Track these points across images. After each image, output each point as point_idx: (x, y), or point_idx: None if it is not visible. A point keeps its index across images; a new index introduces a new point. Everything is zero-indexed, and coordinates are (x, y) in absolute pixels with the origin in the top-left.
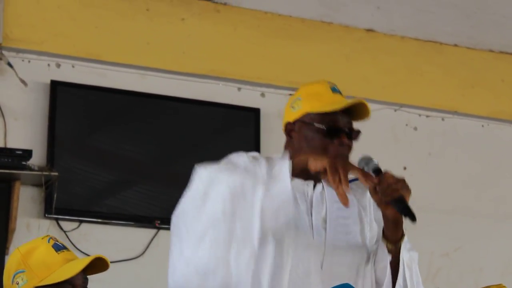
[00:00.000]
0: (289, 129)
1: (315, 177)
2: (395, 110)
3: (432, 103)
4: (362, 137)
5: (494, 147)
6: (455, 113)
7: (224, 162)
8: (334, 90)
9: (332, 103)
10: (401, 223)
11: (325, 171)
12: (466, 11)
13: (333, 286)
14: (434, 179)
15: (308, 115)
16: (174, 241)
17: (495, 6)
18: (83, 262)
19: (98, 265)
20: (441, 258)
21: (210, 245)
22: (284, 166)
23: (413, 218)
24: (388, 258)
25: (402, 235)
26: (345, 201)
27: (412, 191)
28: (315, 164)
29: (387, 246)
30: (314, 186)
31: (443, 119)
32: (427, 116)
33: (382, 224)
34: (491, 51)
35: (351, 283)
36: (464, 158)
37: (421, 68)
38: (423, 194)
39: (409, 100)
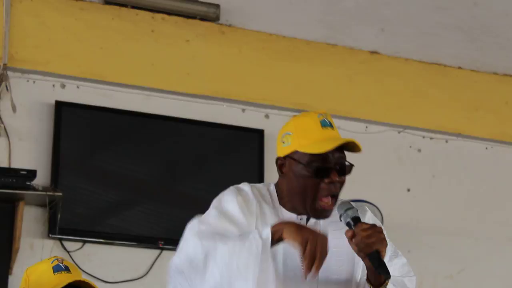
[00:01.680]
0: (280, 164)
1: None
2: (399, 132)
3: (436, 125)
4: (366, 158)
5: (498, 169)
6: (459, 135)
7: (216, 211)
8: (324, 124)
9: (320, 142)
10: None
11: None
12: (470, 34)
13: None
14: (437, 201)
15: (297, 153)
16: None
17: (499, 29)
18: (56, 281)
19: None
20: (444, 280)
21: None
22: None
23: (386, 274)
24: None
25: (386, 279)
26: (306, 274)
27: (415, 213)
28: (292, 240)
29: None
30: (307, 219)
31: (447, 141)
32: (431, 138)
33: None
34: (495, 73)
35: None
36: (468, 180)
37: (425, 90)
38: (427, 216)
39: (413, 122)
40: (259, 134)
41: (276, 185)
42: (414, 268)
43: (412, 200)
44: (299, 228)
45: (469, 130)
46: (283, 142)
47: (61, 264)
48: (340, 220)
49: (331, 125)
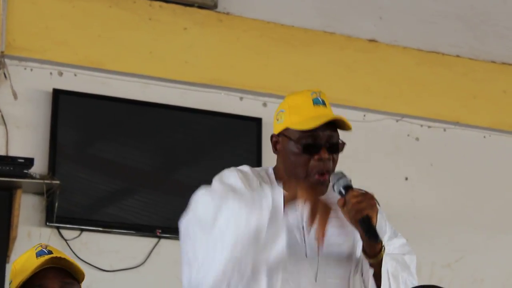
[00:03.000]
0: (274, 141)
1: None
2: (397, 121)
3: (434, 114)
4: (363, 147)
5: (495, 158)
6: (457, 123)
7: (219, 183)
8: (317, 101)
9: (310, 119)
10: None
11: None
12: (468, 22)
13: None
14: (435, 189)
15: (288, 129)
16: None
17: (498, 17)
18: (37, 263)
19: (75, 270)
20: (442, 269)
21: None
22: (278, 195)
23: (376, 239)
24: (371, 271)
25: (381, 248)
26: (321, 242)
27: (413, 201)
28: (291, 198)
29: (368, 261)
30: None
31: (445, 130)
32: (429, 127)
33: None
34: (493, 62)
35: None
36: (466, 168)
37: (423, 79)
38: (425, 205)
39: (411, 111)
40: (257, 122)
41: (274, 168)
42: None
43: (410, 189)
44: (303, 190)
45: (467, 118)
46: (277, 120)
47: (44, 249)
48: (334, 190)
49: (323, 103)
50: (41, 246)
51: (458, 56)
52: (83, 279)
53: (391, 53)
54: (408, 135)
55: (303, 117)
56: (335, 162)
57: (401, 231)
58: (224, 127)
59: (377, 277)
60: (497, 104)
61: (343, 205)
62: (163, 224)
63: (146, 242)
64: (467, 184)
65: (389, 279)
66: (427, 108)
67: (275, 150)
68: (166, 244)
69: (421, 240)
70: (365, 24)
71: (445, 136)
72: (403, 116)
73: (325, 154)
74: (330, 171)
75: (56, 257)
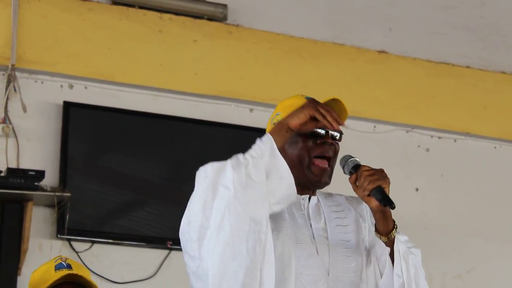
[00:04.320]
0: None
1: (310, 190)
2: (407, 132)
3: (444, 125)
4: (374, 158)
5: (506, 168)
6: (467, 134)
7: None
8: (309, 99)
9: None
10: (388, 214)
11: (311, 119)
12: (478, 33)
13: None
14: (446, 200)
15: None
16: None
17: (507, 28)
18: (54, 277)
19: (90, 285)
20: (453, 280)
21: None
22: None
23: (391, 205)
24: (387, 251)
25: (394, 226)
26: (337, 124)
27: (424, 212)
28: (298, 119)
29: (381, 239)
30: (309, 199)
31: (455, 141)
32: (439, 138)
33: None
34: (503, 72)
35: None
36: (477, 179)
37: (433, 90)
38: (436, 216)
39: (421, 122)
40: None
41: None
42: (423, 267)
43: (420, 200)
44: (297, 109)
45: (478, 129)
46: (274, 123)
47: (63, 262)
48: (344, 172)
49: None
50: (60, 259)
51: (468, 67)
52: None
53: (401, 64)
54: (419, 146)
55: None
56: (336, 151)
57: (412, 242)
58: (234, 138)
59: (391, 257)
60: (507, 114)
61: (355, 180)
62: (174, 236)
63: (157, 254)
64: (477, 194)
65: (400, 260)
66: (437, 119)
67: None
68: (176, 256)
69: (432, 251)
70: (374, 35)
71: (456, 147)
72: (414, 127)
73: (328, 139)
74: (332, 158)
75: (73, 274)
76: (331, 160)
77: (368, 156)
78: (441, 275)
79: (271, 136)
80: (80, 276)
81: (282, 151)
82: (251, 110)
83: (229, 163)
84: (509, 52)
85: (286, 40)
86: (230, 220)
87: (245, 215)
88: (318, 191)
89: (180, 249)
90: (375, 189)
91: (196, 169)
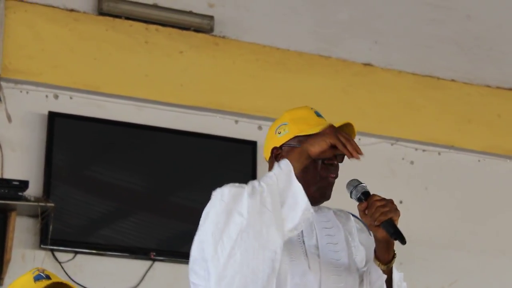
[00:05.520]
0: (275, 154)
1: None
2: (392, 144)
3: (428, 138)
4: (358, 170)
5: (490, 182)
6: (451, 147)
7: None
8: (318, 114)
9: (320, 125)
10: (392, 244)
11: (330, 147)
12: (463, 46)
13: None
14: (430, 213)
15: (296, 138)
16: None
17: (493, 42)
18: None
19: None
20: None
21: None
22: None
23: (402, 240)
24: (384, 278)
25: (394, 256)
26: (357, 154)
27: (408, 225)
28: (319, 147)
29: (379, 267)
30: None
31: (439, 154)
32: (424, 151)
33: (368, 246)
34: (488, 86)
35: None
36: (461, 192)
37: (418, 103)
38: (419, 228)
39: (406, 134)
40: (252, 145)
41: None
42: (406, 280)
43: (404, 213)
44: (313, 137)
45: (462, 142)
46: (279, 133)
47: (42, 274)
48: (351, 197)
49: (323, 117)
50: (38, 270)
51: (453, 80)
52: None
53: (386, 77)
54: (403, 159)
55: (311, 125)
56: (337, 174)
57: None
58: (219, 150)
59: (387, 285)
60: (491, 128)
61: (365, 209)
62: (158, 246)
63: (140, 265)
64: (461, 207)
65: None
66: (422, 132)
67: (276, 163)
68: (160, 266)
69: (416, 264)
70: (360, 48)
71: (440, 160)
72: (398, 139)
73: (334, 160)
74: (336, 177)
75: (57, 283)
76: (336, 177)
77: (352, 168)
78: None
79: (289, 163)
80: (64, 284)
81: (298, 176)
82: (236, 121)
83: (245, 190)
84: (494, 66)
85: (272, 52)
86: (241, 248)
87: (258, 244)
88: None
89: (163, 260)
90: (386, 221)
91: (181, 179)
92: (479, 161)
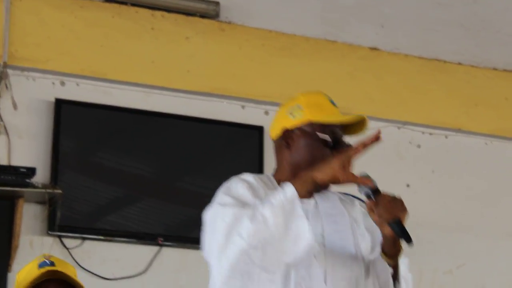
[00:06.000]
0: (287, 136)
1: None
2: (399, 128)
3: (435, 121)
4: (366, 154)
5: (497, 164)
6: (458, 130)
7: (229, 197)
8: (333, 103)
9: (336, 115)
10: (399, 240)
11: (335, 179)
12: (470, 29)
13: None
14: (437, 196)
15: (310, 124)
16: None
17: (499, 24)
18: (35, 274)
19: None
20: (444, 276)
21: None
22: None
23: (409, 240)
24: (389, 270)
25: (400, 249)
26: (369, 182)
27: (415, 208)
28: (325, 176)
29: (386, 261)
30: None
31: (446, 137)
32: (431, 134)
33: (374, 232)
34: (495, 69)
35: None
36: (468, 175)
37: (425, 86)
38: (426, 211)
39: (413, 118)
40: (258, 131)
41: (275, 173)
42: (414, 263)
43: (411, 196)
44: (327, 163)
45: (469, 125)
46: (292, 115)
47: (47, 260)
48: (359, 191)
49: (336, 105)
50: (44, 257)
51: (460, 63)
52: None
53: (393, 60)
54: (410, 142)
55: (326, 113)
56: None
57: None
58: (226, 135)
59: (393, 279)
60: (498, 111)
61: (373, 205)
62: (165, 232)
63: (148, 251)
64: (468, 190)
65: (402, 282)
66: (429, 115)
67: (285, 144)
68: (167, 252)
69: (423, 247)
70: (367, 32)
71: (447, 143)
72: (405, 123)
73: (343, 147)
74: None
75: (54, 270)
76: None
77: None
78: (432, 271)
79: (294, 190)
80: (61, 272)
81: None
82: (243, 107)
83: (247, 213)
84: (501, 49)
85: (278, 37)
86: (242, 270)
87: (256, 266)
88: None
89: (171, 246)
90: (393, 222)
91: (188, 165)
92: (486, 144)
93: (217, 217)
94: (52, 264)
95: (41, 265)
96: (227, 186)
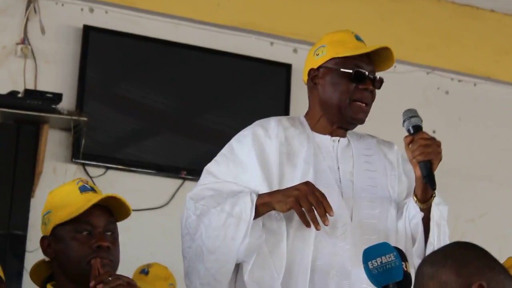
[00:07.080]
0: (313, 75)
1: (342, 130)
2: (427, 73)
3: (465, 68)
4: (393, 98)
5: None
6: (487, 79)
7: (224, 157)
8: (358, 38)
9: (357, 48)
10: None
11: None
12: None
13: (364, 237)
14: (462, 144)
15: (333, 60)
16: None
17: None
18: (94, 199)
19: (119, 210)
20: (466, 224)
21: None
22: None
23: (432, 185)
24: (420, 215)
25: (433, 194)
26: (327, 220)
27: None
28: (284, 206)
29: (417, 205)
30: (339, 141)
31: (475, 84)
32: (459, 81)
33: (411, 178)
34: None
35: (382, 237)
36: (494, 124)
37: (456, 32)
38: (451, 159)
39: (442, 64)
40: (286, 68)
41: (306, 115)
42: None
43: None
44: (283, 193)
45: (498, 74)
46: (317, 55)
47: (87, 185)
48: (403, 126)
49: (363, 41)
50: (81, 181)
51: (492, 10)
52: (126, 217)
53: (425, 4)
54: (438, 88)
55: (350, 47)
56: (374, 96)
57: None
58: (253, 72)
59: (424, 223)
60: None
61: (409, 143)
62: (189, 166)
63: (171, 183)
64: (494, 139)
65: (434, 228)
66: (459, 62)
67: (313, 84)
68: (190, 186)
69: (446, 194)
70: None
71: (475, 91)
72: (434, 68)
73: (369, 85)
74: (370, 103)
75: (111, 197)
76: (368, 106)
77: (387, 95)
78: (454, 219)
79: (253, 210)
80: (117, 199)
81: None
82: (272, 43)
83: (212, 210)
84: None
85: None
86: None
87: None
88: (350, 132)
89: (194, 180)
90: (423, 162)
91: (213, 100)
92: None
93: (202, 175)
94: (92, 189)
95: (83, 189)
96: (238, 135)
